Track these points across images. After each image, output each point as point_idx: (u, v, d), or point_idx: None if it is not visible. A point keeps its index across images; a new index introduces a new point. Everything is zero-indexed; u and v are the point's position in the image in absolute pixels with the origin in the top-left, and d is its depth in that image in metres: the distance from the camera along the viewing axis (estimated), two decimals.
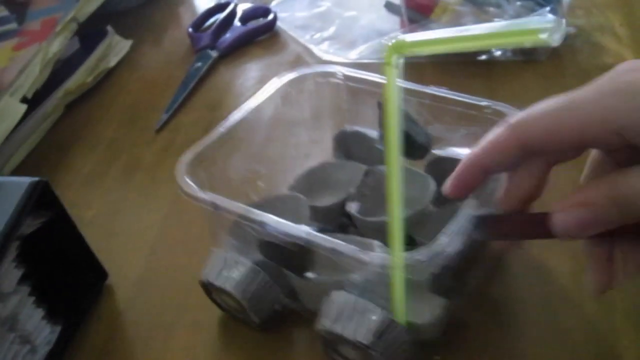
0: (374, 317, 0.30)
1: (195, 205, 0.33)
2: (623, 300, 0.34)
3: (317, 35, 0.63)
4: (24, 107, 0.52)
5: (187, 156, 0.35)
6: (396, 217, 0.28)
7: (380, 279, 0.29)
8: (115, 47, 0.65)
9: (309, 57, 0.61)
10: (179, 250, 0.43)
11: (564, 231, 0.26)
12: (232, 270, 0.34)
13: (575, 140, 0.26)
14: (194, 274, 0.36)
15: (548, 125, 0.26)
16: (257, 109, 0.39)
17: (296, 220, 0.31)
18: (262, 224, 0.31)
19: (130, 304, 0.40)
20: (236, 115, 0.38)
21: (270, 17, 0.66)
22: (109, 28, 0.65)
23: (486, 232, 0.29)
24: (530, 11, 0.52)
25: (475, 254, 0.33)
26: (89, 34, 0.64)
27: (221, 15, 0.67)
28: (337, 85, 0.41)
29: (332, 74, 0.41)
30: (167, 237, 0.44)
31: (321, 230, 0.30)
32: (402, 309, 0.30)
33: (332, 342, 0.32)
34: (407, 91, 0.37)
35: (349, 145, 0.43)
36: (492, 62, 0.54)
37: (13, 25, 0.60)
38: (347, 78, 0.40)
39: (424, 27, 0.55)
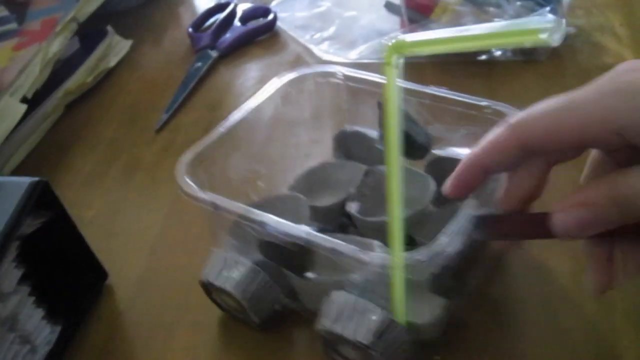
0: (374, 317, 0.30)
1: (195, 205, 0.33)
2: (623, 300, 0.34)
3: (317, 35, 0.63)
4: (24, 107, 0.52)
5: (187, 156, 0.35)
6: (396, 217, 0.28)
7: (380, 279, 0.29)
8: (115, 47, 0.65)
9: (309, 57, 0.61)
10: (179, 250, 0.43)
11: (563, 231, 0.26)
12: (232, 270, 0.34)
13: (575, 140, 0.26)
14: (194, 274, 0.36)
15: (548, 125, 0.26)
16: (257, 109, 0.39)
17: (296, 220, 0.31)
18: (262, 224, 0.31)
19: (130, 304, 0.40)
20: (236, 115, 0.38)
21: (270, 17, 0.66)
22: (109, 28, 0.65)
23: (486, 232, 0.29)
24: (530, 11, 0.52)
25: (475, 254, 0.33)
26: (89, 34, 0.64)
27: (221, 15, 0.67)
28: (337, 85, 0.41)
29: (332, 74, 0.41)
30: (167, 237, 0.44)
31: (321, 230, 0.30)
32: (402, 309, 0.30)
33: (332, 342, 0.32)
34: (407, 91, 0.37)
35: (349, 145, 0.43)
36: (492, 62, 0.54)
37: (13, 25, 0.60)
38: (347, 78, 0.40)
39: (424, 27, 0.55)
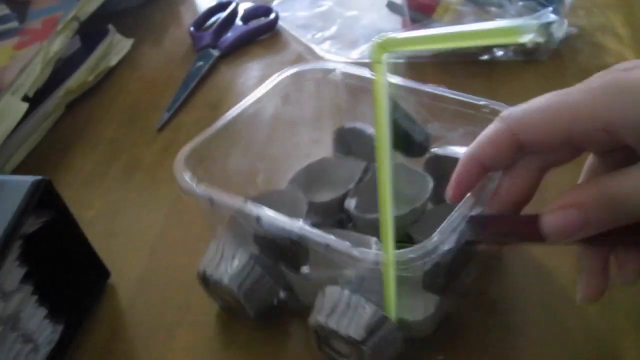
0: (366, 313, 0.30)
1: (195, 205, 0.34)
2: (624, 300, 0.34)
3: (319, 35, 0.63)
4: (25, 106, 0.53)
5: (185, 150, 0.36)
6: (387, 214, 0.28)
7: (373, 275, 0.29)
8: (116, 46, 0.65)
9: (310, 57, 0.61)
10: (179, 250, 0.43)
11: (553, 233, 0.25)
12: (229, 263, 0.34)
13: (564, 135, 0.26)
14: (194, 274, 0.36)
15: (539, 119, 0.26)
16: (257, 106, 0.39)
17: (293, 215, 0.31)
18: (257, 218, 0.31)
19: (131, 304, 0.40)
20: (234, 111, 0.38)
21: (272, 16, 0.66)
22: (110, 27, 0.65)
23: (477, 232, 0.29)
24: (532, 11, 0.52)
25: (469, 252, 0.33)
26: (90, 33, 0.64)
27: (222, 15, 0.67)
28: (337, 85, 0.41)
29: (332, 71, 0.41)
30: (167, 237, 0.44)
31: (316, 225, 0.31)
32: (394, 306, 0.30)
33: (325, 337, 0.32)
34: (406, 90, 0.37)
35: (349, 142, 0.43)
36: (493, 62, 0.54)
37: (14, 24, 0.60)
38: (347, 76, 0.41)
39: (426, 26, 0.54)
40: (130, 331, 0.38)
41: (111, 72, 0.63)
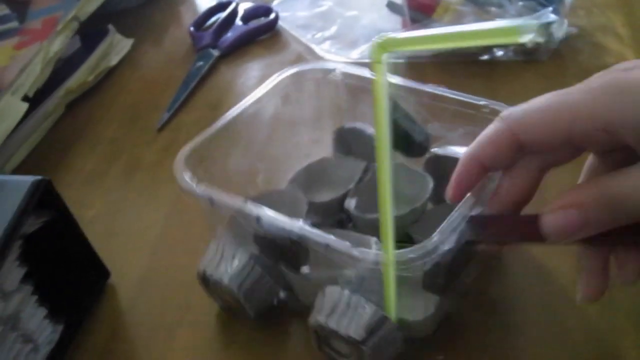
0: (366, 313, 0.30)
1: (196, 205, 0.34)
2: (624, 300, 0.34)
3: (319, 35, 0.63)
4: (25, 106, 0.53)
5: (185, 150, 0.36)
6: (387, 214, 0.28)
7: (373, 275, 0.29)
8: (117, 46, 0.65)
9: (310, 57, 0.61)
10: (179, 250, 0.43)
11: (553, 233, 0.25)
12: (229, 263, 0.34)
13: (564, 135, 0.26)
14: (194, 274, 0.36)
15: (539, 119, 0.26)
16: (257, 106, 0.39)
17: (293, 215, 0.31)
18: (257, 218, 0.31)
19: (131, 304, 0.40)
20: (234, 111, 0.38)
21: (272, 16, 0.66)
22: (110, 27, 0.65)
23: (477, 232, 0.29)
24: (532, 11, 0.52)
25: (469, 252, 0.33)
26: (90, 33, 0.64)
27: (222, 15, 0.67)
28: (337, 85, 0.41)
29: (332, 71, 0.41)
30: (168, 237, 0.44)
31: (316, 225, 0.31)
32: (394, 306, 0.30)
33: (325, 337, 0.32)
34: (406, 90, 0.37)
35: (349, 142, 0.43)
36: (493, 62, 0.54)
37: (14, 24, 0.60)
38: (347, 76, 0.41)
39: (426, 26, 0.54)
40: (130, 331, 0.38)
41: (111, 72, 0.64)
